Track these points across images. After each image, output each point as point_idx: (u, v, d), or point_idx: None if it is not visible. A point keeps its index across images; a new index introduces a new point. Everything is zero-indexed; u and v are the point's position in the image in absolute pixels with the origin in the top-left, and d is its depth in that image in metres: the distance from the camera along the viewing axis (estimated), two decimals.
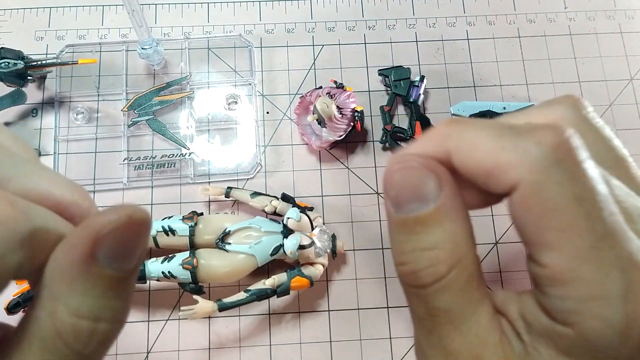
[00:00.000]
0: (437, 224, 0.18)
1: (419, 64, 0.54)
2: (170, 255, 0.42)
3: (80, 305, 0.17)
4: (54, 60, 0.49)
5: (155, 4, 0.55)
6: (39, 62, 0.49)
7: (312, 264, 0.44)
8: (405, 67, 0.52)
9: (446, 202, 0.18)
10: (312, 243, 0.43)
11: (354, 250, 0.48)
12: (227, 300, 0.42)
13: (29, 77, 0.49)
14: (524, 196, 0.17)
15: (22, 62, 0.48)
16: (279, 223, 0.44)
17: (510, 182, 0.17)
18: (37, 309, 0.17)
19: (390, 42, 0.54)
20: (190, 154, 0.49)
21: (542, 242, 0.17)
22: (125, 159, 0.49)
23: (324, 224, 0.46)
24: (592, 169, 0.17)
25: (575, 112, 0.21)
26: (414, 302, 0.19)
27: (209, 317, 0.45)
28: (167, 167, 0.49)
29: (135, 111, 0.50)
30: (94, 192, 0.48)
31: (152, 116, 0.50)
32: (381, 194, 0.49)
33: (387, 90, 0.52)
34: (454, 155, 0.19)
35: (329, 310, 0.46)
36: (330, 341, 0.45)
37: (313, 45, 0.54)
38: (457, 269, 0.18)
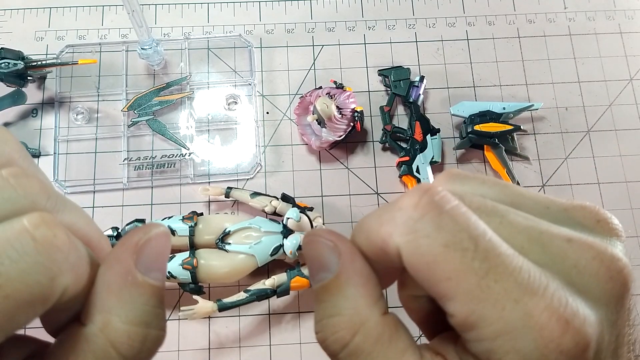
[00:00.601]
0: (338, 291, 0.19)
1: (419, 64, 0.54)
2: (170, 255, 0.42)
3: (131, 313, 0.18)
4: (54, 61, 0.49)
5: (155, 4, 0.55)
6: (39, 63, 0.49)
7: None
8: (405, 67, 0.52)
9: (344, 269, 0.19)
10: None
11: None
12: (227, 300, 0.42)
13: (29, 78, 0.49)
14: (407, 258, 0.18)
15: (22, 63, 0.48)
16: (279, 223, 0.44)
17: (395, 251, 0.18)
18: (88, 325, 0.18)
19: (390, 42, 0.54)
20: (190, 154, 0.49)
21: (440, 295, 0.18)
22: (125, 159, 0.49)
23: (324, 224, 0.46)
24: (460, 213, 0.18)
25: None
26: None
27: (209, 317, 0.45)
28: (167, 167, 0.49)
29: (135, 111, 0.50)
30: (94, 192, 0.48)
31: (152, 116, 0.50)
32: (381, 194, 0.49)
33: (387, 91, 0.52)
34: (361, 248, 0.20)
35: None
36: None
37: (313, 46, 0.54)
38: (360, 333, 0.19)
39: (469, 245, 0.17)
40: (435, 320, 0.21)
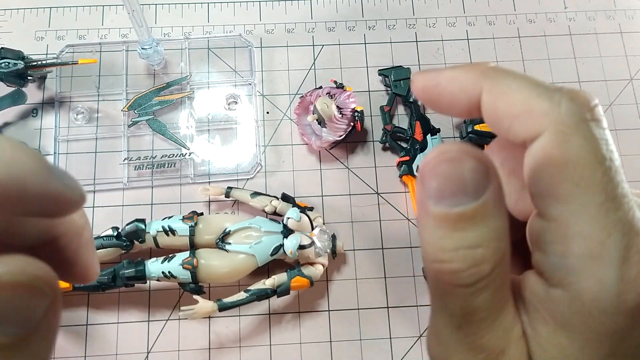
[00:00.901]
0: (483, 221, 0.17)
1: (419, 64, 0.54)
2: (170, 255, 0.42)
3: None
4: (54, 60, 0.49)
5: (155, 4, 0.55)
6: (39, 62, 0.49)
7: (312, 264, 0.44)
8: (405, 67, 0.52)
9: (493, 197, 0.17)
10: (312, 243, 0.43)
11: (354, 250, 0.48)
12: (227, 300, 0.42)
13: (29, 77, 0.49)
14: (547, 145, 0.18)
15: (22, 62, 0.48)
16: (279, 223, 0.44)
17: (536, 129, 0.18)
18: None
19: (390, 42, 0.54)
20: (190, 154, 0.49)
21: (554, 194, 0.17)
22: (125, 159, 0.49)
23: (324, 224, 0.46)
24: (611, 140, 0.18)
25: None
26: (448, 300, 0.18)
27: (209, 317, 0.45)
28: (167, 167, 0.49)
29: (135, 111, 0.50)
30: (94, 192, 0.48)
31: (152, 116, 0.50)
32: (381, 194, 0.49)
33: (387, 90, 0.52)
34: (485, 94, 0.19)
35: (329, 310, 0.46)
36: (330, 341, 0.45)
37: (313, 45, 0.54)
38: (499, 267, 0.17)
39: (612, 167, 0.18)
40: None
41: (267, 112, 0.51)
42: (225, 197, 0.47)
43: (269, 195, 0.46)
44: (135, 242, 0.44)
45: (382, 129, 0.50)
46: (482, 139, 0.49)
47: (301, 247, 0.42)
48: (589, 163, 0.17)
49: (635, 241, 0.17)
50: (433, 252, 0.18)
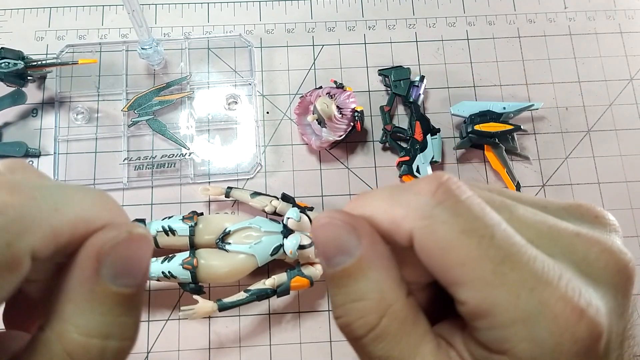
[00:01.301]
0: (362, 275, 0.19)
1: (419, 64, 0.54)
2: (170, 255, 0.42)
3: (88, 324, 0.17)
4: (54, 60, 0.49)
5: (155, 4, 0.55)
6: (39, 62, 0.49)
7: (312, 263, 0.44)
8: (405, 67, 0.52)
9: (367, 253, 0.19)
10: (312, 243, 0.43)
11: None
12: (227, 300, 0.42)
13: (29, 77, 0.49)
14: (420, 242, 0.18)
15: (22, 62, 0.48)
16: (279, 223, 0.44)
17: (407, 233, 0.18)
18: (46, 331, 0.17)
19: (390, 42, 0.54)
20: (190, 154, 0.49)
21: (452, 282, 0.18)
22: (125, 159, 0.49)
23: None
24: (476, 202, 0.18)
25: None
26: (356, 352, 0.20)
27: (209, 317, 0.45)
28: (167, 167, 0.49)
29: (135, 111, 0.50)
30: None
31: (152, 116, 0.50)
32: None
33: (387, 90, 0.52)
34: (361, 235, 0.20)
35: (329, 310, 0.46)
36: (330, 341, 0.45)
37: (313, 45, 0.54)
38: (387, 317, 0.18)
39: (486, 232, 0.17)
40: (432, 310, 0.21)
41: (267, 112, 0.51)
42: (225, 197, 0.47)
43: (269, 195, 0.46)
44: None
45: (382, 129, 0.50)
46: (482, 139, 0.49)
47: (301, 247, 0.42)
48: (460, 241, 0.17)
49: (548, 291, 0.17)
50: (333, 309, 0.20)
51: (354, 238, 0.19)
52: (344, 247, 0.19)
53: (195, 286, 0.42)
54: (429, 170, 0.49)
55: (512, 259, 0.17)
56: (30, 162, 0.49)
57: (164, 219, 0.44)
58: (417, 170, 0.49)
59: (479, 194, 0.19)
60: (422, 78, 0.51)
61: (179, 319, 0.45)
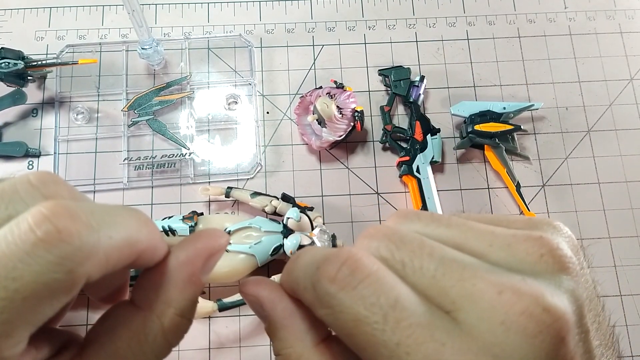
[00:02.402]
0: (273, 336, 0.22)
1: (419, 64, 0.54)
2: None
3: (185, 307, 0.21)
4: (54, 60, 0.49)
5: (155, 4, 0.55)
6: (39, 62, 0.49)
7: None
8: (405, 67, 0.52)
9: (271, 318, 0.22)
10: (312, 243, 0.43)
11: None
12: (227, 300, 0.42)
13: (29, 77, 0.49)
14: (330, 326, 0.20)
15: (22, 62, 0.48)
16: (279, 223, 0.44)
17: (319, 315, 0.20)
18: (145, 312, 0.21)
19: (390, 42, 0.54)
20: (190, 154, 0.49)
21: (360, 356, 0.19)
22: (125, 159, 0.49)
23: (324, 224, 0.46)
24: (375, 281, 0.18)
25: None
26: None
27: (209, 317, 0.45)
28: (167, 167, 0.49)
29: (136, 111, 0.50)
30: (94, 192, 0.48)
31: (152, 116, 0.50)
32: (381, 194, 0.49)
33: (387, 90, 0.52)
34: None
35: None
36: None
37: (313, 45, 0.54)
38: None
39: (379, 318, 0.17)
40: None
41: (267, 112, 0.51)
42: (225, 197, 0.47)
43: (269, 195, 0.46)
44: None
45: (382, 129, 0.50)
46: (482, 139, 0.49)
47: (301, 247, 0.42)
48: (358, 329, 0.18)
49: None
50: None
51: (259, 306, 0.22)
52: (259, 314, 0.23)
53: None
54: (429, 170, 0.49)
55: (407, 342, 0.17)
56: (30, 163, 0.49)
57: (164, 219, 0.44)
58: (417, 170, 0.49)
59: (409, 245, 0.19)
60: (422, 78, 0.51)
61: None
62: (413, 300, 0.18)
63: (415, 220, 0.21)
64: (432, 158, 0.49)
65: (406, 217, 0.22)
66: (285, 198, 0.46)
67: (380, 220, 0.48)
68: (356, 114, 0.48)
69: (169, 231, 0.43)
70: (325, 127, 0.48)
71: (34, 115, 0.50)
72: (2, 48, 0.48)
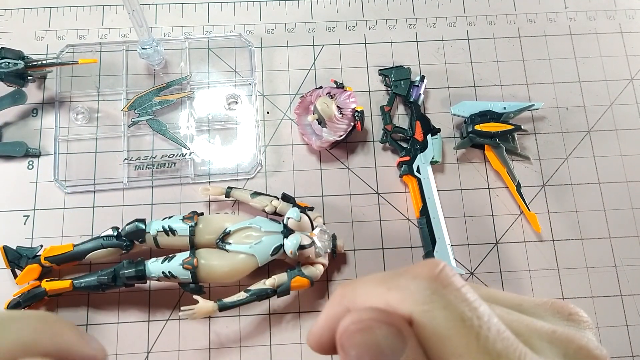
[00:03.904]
0: None
1: (419, 64, 0.54)
2: (170, 255, 0.42)
3: None
4: (54, 60, 0.49)
5: (155, 4, 0.55)
6: (39, 62, 0.49)
7: (312, 263, 0.44)
8: (405, 67, 0.52)
9: (411, 355, 0.18)
10: (313, 243, 0.43)
11: (354, 250, 0.48)
12: (228, 300, 0.42)
13: (29, 77, 0.49)
14: (419, 327, 0.18)
15: (22, 62, 0.48)
16: (279, 223, 0.44)
17: (405, 318, 0.18)
18: None
19: (390, 42, 0.54)
20: (190, 154, 0.49)
21: None
22: (125, 159, 0.49)
23: (324, 223, 0.46)
24: (471, 293, 0.18)
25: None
26: None
27: (209, 317, 0.45)
28: (167, 167, 0.49)
29: (136, 111, 0.50)
30: (94, 191, 0.48)
31: (152, 116, 0.50)
32: (381, 194, 0.49)
33: (387, 90, 0.52)
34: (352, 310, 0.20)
35: None
36: None
37: (313, 45, 0.54)
38: None
39: (482, 325, 0.17)
40: None
41: (267, 112, 0.51)
42: (226, 197, 0.47)
43: (269, 195, 0.46)
44: (136, 242, 0.44)
45: (382, 129, 0.50)
46: (482, 139, 0.49)
47: (301, 247, 0.42)
48: (458, 331, 0.17)
49: None
50: None
51: (399, 341, 0.18)
52: (387, 351, 0.18)
53: (195, 286, 0.42)
54: (430, 170, 0.49)
55: (507, 353, 0.17)
56: (30, 163, 0.49)
57: (164, 219, 0.44)
58: (418, 170, 0.49)
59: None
60: (422, 78, 0.51)
61: (179, 319, 0.45)
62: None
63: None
64: (433, 158, 0.49)
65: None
66: (286, 198, 0.46)
67: (380, 221, 0.49)
68: (356, 114, 0.48)
69: (169, 231, 0.43)
70: (326, 127, 0.48)
71: (34, 115, 0.50)
72: (2, 48, 0.48)
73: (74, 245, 0.44)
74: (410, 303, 0.18)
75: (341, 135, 0.48)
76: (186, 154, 0.49)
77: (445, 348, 0.17)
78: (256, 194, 0.46)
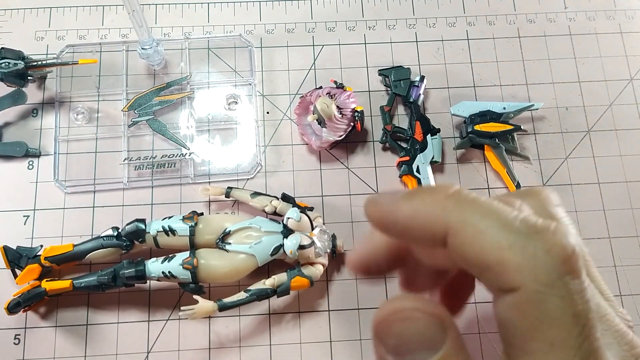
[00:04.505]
0: None
1: (419, 64, 0.54)
2: (170, 255, 0.42)
3: None
4: (54, 60, 0.49)
5: (155, 4, 0.55)
6: (40, 62, 0.49)
7: (312, 263, 0.44)
8: (405, 67, 0.52)
9: (452, 348, 0.17)
10: (312, 243, 0.43)
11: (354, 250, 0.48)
12: (227, 300, 0.42)
13: (29, 77, 0.49)
14: (522, 303, 0.17)
15: (22, 62, 0.48)
16: (279, 223, 0.44)
17: (509, 285, 0.17)
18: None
19: (391, 42, 0.54)
20: (190, 154, 0.49)
21: (527, 350, 0.17)
22: (125, 159, 0.49)
23: (324, 223, 0.46)
24: (590, 287, 0.17)
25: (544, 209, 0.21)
26: None
27: (209, 317, 0.45)
28: (167, 167, 0.49)
29: (136, 111, 0.50)
30: (94, 191, 0.48)
31: (152, 116, 0.50)
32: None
33: (387, 90, 0.52)
34: (451, 238, 0.18)
35: (329, 310, 0.46)
36: (330, 341, 0.45)
37: (313, 45, 0.54)
38: None
39: (591, 324, 0.17)
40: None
41: (267, 112, 0.51)
42: (225, 197, 0.47)
43: (269, 195, 0.46)
44: (136, 242, 0.44)
45: (382, 129, 0.50)
46: (482, 139, 0.49)
47: (301, 247, 0.42)
48: (566, 323, 0.16)
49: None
50: None
51: (440, 332, 0.17)
52: (427, 343, 0.17)
53: (195, 286, 0.42)
54: (429, 170, 0.49)
55: (595, 355, 0.16)
56: (30, 163, 0.49)
57: (164, 219, 0.44)
58: (417, 170, 0.49)
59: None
60: (422, 78, 0.51)
61: (179, 319, 0.45)
62: None
63: None
64: (432, 158, 0.49)
65: None
66: (285, 198, 0.46)
67: None
68: (356, 114, 0.48)
69: (169, 231, 0.43)
70: (325, 127, 0.48)
71: (34, 115, 0.50)
72: (2, 48, 0.48)
73: (74, 245, 0.44)
74: (529, 277, 0.17)
75: (341, 136, 0.48)
76: (186, 154, 0.49)
77: (541, 332, 0.16)
78: (256, 194, 0.46)
